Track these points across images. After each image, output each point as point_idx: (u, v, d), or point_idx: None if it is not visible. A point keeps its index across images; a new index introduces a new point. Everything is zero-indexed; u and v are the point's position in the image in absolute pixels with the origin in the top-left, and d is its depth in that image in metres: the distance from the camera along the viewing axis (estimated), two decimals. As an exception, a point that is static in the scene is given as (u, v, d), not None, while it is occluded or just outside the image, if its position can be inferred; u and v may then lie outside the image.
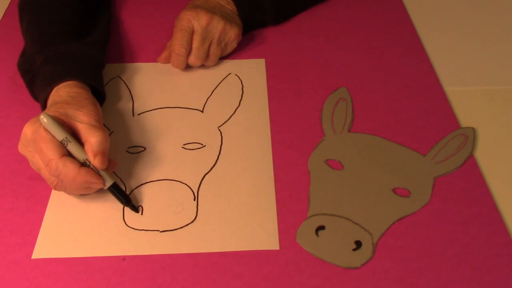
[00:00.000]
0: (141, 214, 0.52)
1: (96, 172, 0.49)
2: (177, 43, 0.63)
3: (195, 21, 0.63)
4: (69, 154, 0.48)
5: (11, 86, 0.65)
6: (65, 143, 0.48)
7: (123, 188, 0.53)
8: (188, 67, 0.67)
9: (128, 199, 0.51)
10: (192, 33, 0.63)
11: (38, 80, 0.56)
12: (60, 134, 0.48)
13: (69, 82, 0.54)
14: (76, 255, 0.48)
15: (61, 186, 0.49)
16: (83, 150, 0.49)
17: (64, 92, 0.53)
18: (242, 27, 0.68)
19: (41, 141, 0.47)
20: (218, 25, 0.64)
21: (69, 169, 0.47)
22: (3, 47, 0.71)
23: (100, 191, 0.53)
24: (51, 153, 0.47)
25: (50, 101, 0.53)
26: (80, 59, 0.58)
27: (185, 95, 0.64)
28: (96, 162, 0.48)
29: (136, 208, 0.52)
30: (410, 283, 0.47)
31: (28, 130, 0.48)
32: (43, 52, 0.57)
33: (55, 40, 0.59)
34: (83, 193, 0.52)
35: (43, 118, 0.47)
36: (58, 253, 0.49)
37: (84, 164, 0.49)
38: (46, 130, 0.47)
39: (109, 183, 0.50)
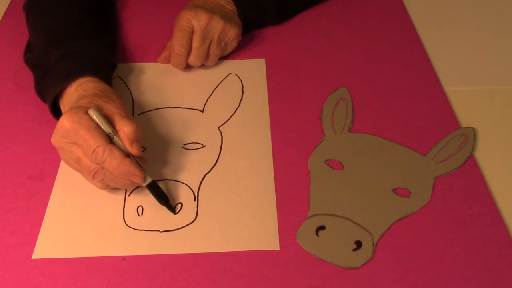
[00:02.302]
0: (141, 214, 0.52)
1: (139, 166, 0.49)
2: (177, 43, 0.63)
3: (194, 21, 0.63)
4: None
5: (11, 86, 0.65)
6: (112, 136, 0.49)
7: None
8: (188, 67, 0.67)
9: (166, 199, 0.51)
10: (192, 33, 0.63)
11: (52, 75, 0.56)
12: (107, 127, 0.49)
13: (91, 78, 0.55)
14: (76, 255, 0.48)
15: (100, 174, 0.49)
16: None
17: (89, 87, 0.54)
18: (242, 27, 0.68)
19: (85, 130, 0.48)
20: (217, 25, 0.64)
21: (115, 157, 0.47)
22: (3, 47, 0.71)
23: (101, 190, 0.53)
24: (99, 140, 0.47)
25: (74, 95, 0.53)
26: (96, 59, 0.59)
27: (185, 95, 0.64)
28: (133, 149, 0.49)
29: (173, 208, 0.52)
30: (410, 283, 0.47)
31: (66, 121, 0.48)
32: (60, 48, 0.58)
33: (71, 38, 0.60)
34: (118, 187, 0.52)
35: (92, 114, 0.49)
36: (58, 253, 0.49)
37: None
38: (88, 119, 0.48)
39: (149, 179, 0.51)
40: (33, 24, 0.64)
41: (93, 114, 0.49)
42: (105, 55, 0.61)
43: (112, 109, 0.51)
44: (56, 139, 0.50)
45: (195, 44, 0.64)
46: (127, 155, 0.49)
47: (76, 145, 0.49)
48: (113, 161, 0.47)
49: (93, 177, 0.49)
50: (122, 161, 0.48)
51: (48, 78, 0.57)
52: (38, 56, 0.60)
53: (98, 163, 0.48)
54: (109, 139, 0.49)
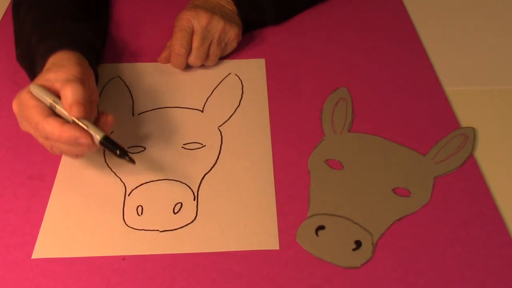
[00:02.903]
0: (141, 214, 0.52)
1: (84, 128, 0.47)
2: (177, 43, 0.63)
3: (195, 21, 0.63)
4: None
5: (11, 86, 0.65)
6: (54, 106, 0.48)
7: (123, 187, 0.54)
8: (188, 67, 0.67)
9: (124, 152, 0.48)
10: (192, 33, 0.63)
11: (37, 61, 0.56)
12: (47, 99, 0.48)
13: (59, 52, 0.54)
14: (76, 255, 0.48)
15: (55, 148, 0.49)
16: None
17: (48, 63, 0.53)
18: (242, 27, 0.68)
19: (26, 109, 0.48)
20: (218, 25, 0.64)
21: (53, 127, 0.46)
22: (3, 47, 0.71)
23: (101, 188, 0.53)
24: (36, 116, 0.47)
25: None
26: (74, 33, 0.57)
27: (185, 95, 0.64)
28: (72, 112, 0.47)
29: (133, 160, 0.49)
30: (410, 283, 0.47)
31: (14, 105, 0.49)
32: (38, 32, 0.57)
33: (51, 22, 0.59)
34: (80, 154, 0.51)
35: (32, 89, 0.48)
36: (58, 253, 0.49)
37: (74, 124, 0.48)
38: (28, 97, 0.48)
39: (99, 136, 0.48)
40: (21, 17, 0.63)
41: (32, 89, 0.48)
42: (87, 34, 0.59)
43: (60, 76, 0.49)
44: (21, 127, 0.50)
45: (195, 44, 0.64)
46: (73, 121, 0.48)
47: (31, 126, 0.49)
48: (54, 131, 0.46)
49: (52, 152, 0.50)
50: (61, 129, 0.46)
51: (36, 64, 0.56)
52: (24, 49, 0.60)
53: (46, 138, 0.48)
54: (52, 111, 0.48)
